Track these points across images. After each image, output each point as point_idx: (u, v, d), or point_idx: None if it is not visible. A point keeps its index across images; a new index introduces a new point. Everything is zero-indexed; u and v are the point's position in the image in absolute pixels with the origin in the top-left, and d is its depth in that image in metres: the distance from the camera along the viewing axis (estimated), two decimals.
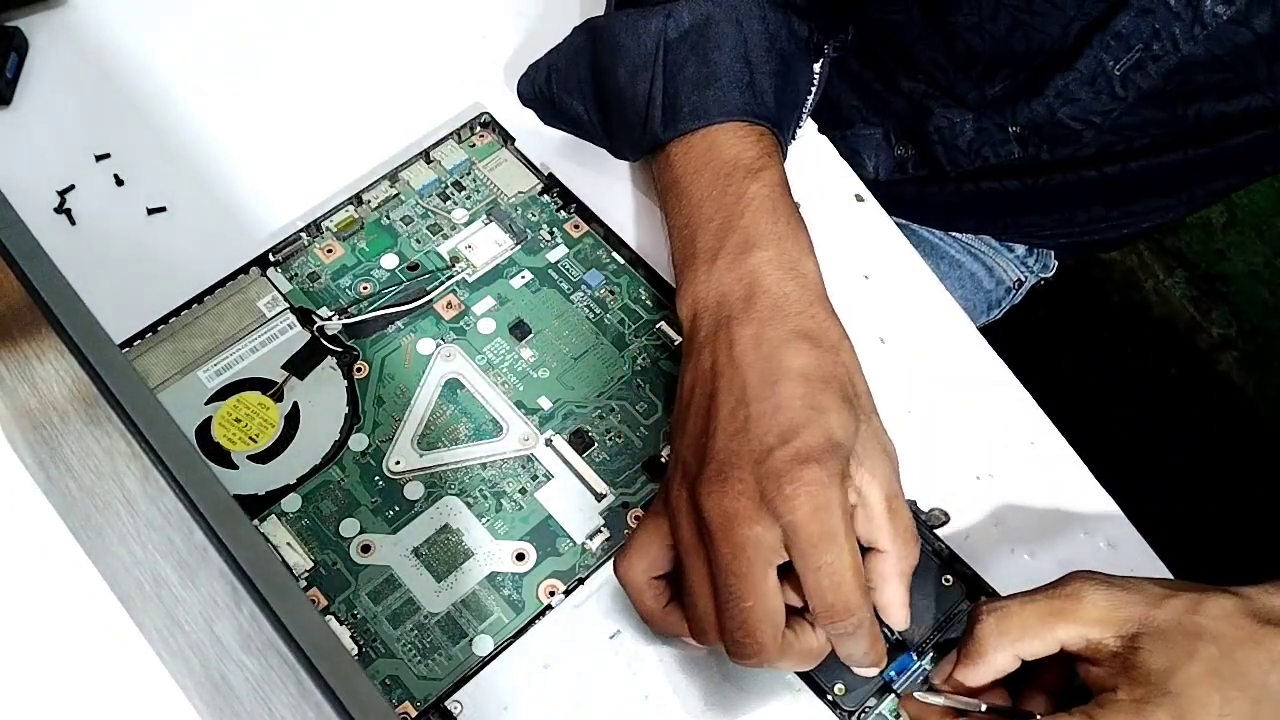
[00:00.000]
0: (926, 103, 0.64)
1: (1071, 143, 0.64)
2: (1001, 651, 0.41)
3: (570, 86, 0.54)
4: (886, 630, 0.45)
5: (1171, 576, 0.47)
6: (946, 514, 0.50)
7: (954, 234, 0.77)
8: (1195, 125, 0.62)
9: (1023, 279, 0.78)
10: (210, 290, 0.52)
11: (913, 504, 0.49)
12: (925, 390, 0.53)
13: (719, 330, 0.46)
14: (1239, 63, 0.58)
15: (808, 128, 0.60)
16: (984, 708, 0.42)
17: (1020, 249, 0.78)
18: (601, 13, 0.55)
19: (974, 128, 0.65)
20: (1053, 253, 0.79)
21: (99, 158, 0.57)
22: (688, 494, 0.43)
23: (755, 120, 0.51)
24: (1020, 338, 0.66)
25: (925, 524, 0.48)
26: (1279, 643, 0.40)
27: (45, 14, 0.61)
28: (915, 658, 0.45)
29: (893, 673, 0.45)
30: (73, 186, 0.56)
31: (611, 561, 0.46)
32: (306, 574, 0.46)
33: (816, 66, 0.56)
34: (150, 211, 0.55)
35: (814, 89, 0.56)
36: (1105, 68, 0.59)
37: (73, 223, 0.55)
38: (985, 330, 0.56)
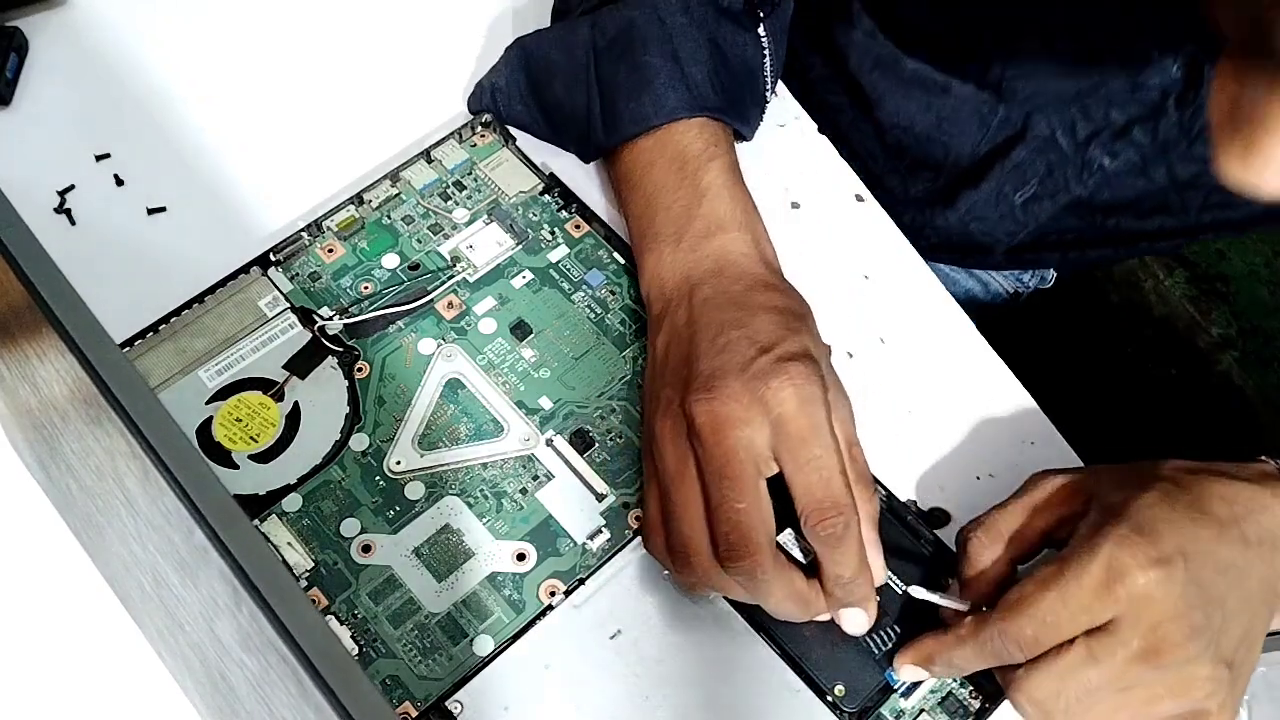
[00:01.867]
0: (869, 178, 0.64)
1: (986, 252, 0.66)
2: (997, 561, 0.44)
3: (513, 103, 0.56)
4: (890, 633, 0.45)
5: None
6: (947, 514, 0.50)
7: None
8: (1115, 233, 0.64)
9: (1020, 291, 0.79)
10: (211, 290, 0.52)
11: (913, 504, 0.49)
12: (925, 390, 0.53)
13: (690, 294, 0.48)
14: (1147, 197, 0.60)
15: (808, 127, 0.60)
16: (967, 606, 0.44)
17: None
18: (597, 13, 0.55)
19: (914, 209, 0.67)
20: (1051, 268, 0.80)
21: (99, 158, 0.57)
22: (671, 420, 0.44)
23: (694, 114, 0.53)
24: (1020, 338, 0.66)
25: (925, 524, 0.48)
26: (1232, 484, 0.43)
27: (45, 14, 0.61)
28: None
29: (893, 674, 0.45)
30: (73, 186, 0.56)
31: (640, 543, 0.47)
32: (307, 574, 0.46)
33: (761, 30, 0.55)
34: (150, 211, 0.55)
35: (765, 51, 0.56)
36: (1006, 194, 0.61)
37: (73, 223, 0.55)
38: (984, 328, 0.56)
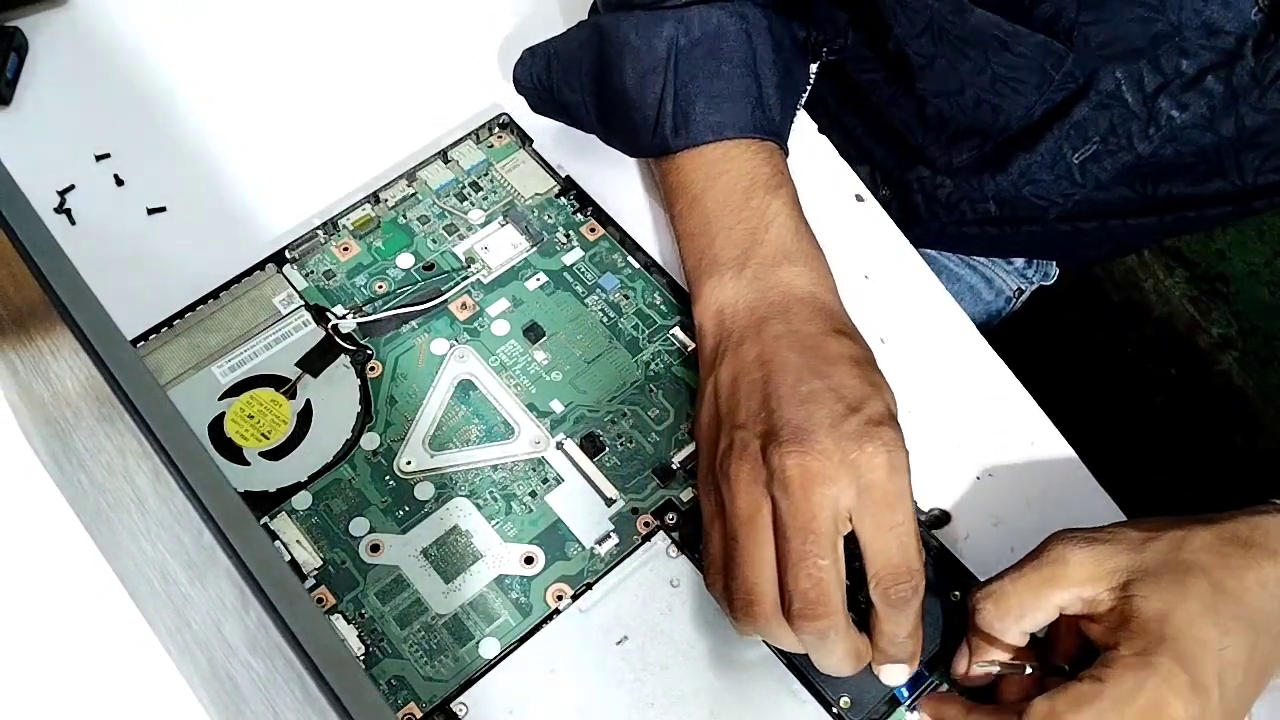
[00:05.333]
0: (905, 156, 0.64)
1: (1039, 213, 0.64)
2: (1005, 634, 0.42)
3: (571, 78, 0.54)
4: None
5: None
6: (947, 514, 0.50)
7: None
8: (1166, 202, 0.62)
9: (1023, 288, 0.78)
10: (226, 286, 0.52)
11: (913, 504, 0.49)
12: (925, 390, 0.53)
13: (759, 328, 0.47)
14: (1203, 159, 0.59)
15: (808, 126, 0.60)
16: (1028, 669, 0.43)
17: (1019, 260, 0.78)
18: (684, 10, 0.54)
19: (953, 184, 0.66)
20: (1054, 261, 0.79)
21: (99, 158, 0.57)
22: (749, 465, 0.43)
23: (765, 136, 0.52)
24: (1020, 338, 0.66)
25: (925, 524, 0.48)
26: (1264, 564, 0.41)
27: (45, 14, 0.61)
28: (928, 673, 0.45)
29: (904, 689, 0.45)
30: (73, 186, 0.56)
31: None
32: (315, 572, 0.46)
33: (813, 66, 0.56)
34: (150, 211, 0.55)
35: (808, 87, 0.56)
36: (1064, 155, 0.60)
37: (73, 223, 0.55)
38: (984, 329, 0.56)
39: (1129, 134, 0.58)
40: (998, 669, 0.43)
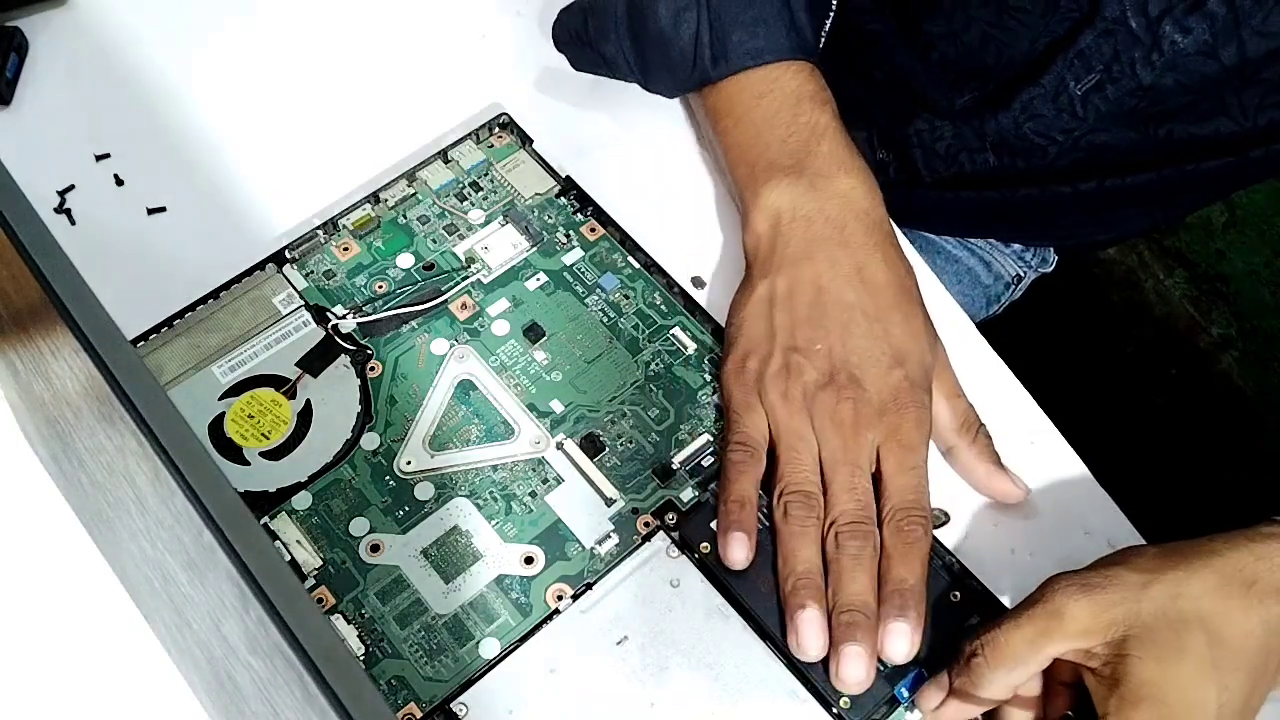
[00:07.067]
0: (905, 111, 0.65)
1: (1038, 156, 0.65)
2: (995, 684, 0.42)
3: (606, 29, 0.55)
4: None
5: None
6: (946, 514, 0.50)
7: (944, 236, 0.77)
8: (1166, 145, 0.63)
9: (1021, 274, 0.79)
10: (226, 286, 0.52)
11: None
12: None
13: (817, 247, 0.51)
14: (1205, 91, 0.59)
15: None
16: None
17: (1017, 244, 0.78)
18: None
19: (952, 133, 0.67)
20: (1051, 248, 0.79)
21: (99, 158, 0.57)
22: (800, 392, 0.48)
23: (802, 57, 0.54)
24: (1020, 337, 0.66)
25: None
26: (1269, 603, 0.40)
27: (45, 14, 0.61)
28: (924, 672, 0.45)
29: (904, 689, 0.45)
30: (73, 186, 0.56)
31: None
32: (315, 572, 0.46)
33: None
34: (150, 211, 0.55)
35: (832, 11, 0.57)
36: (1067, 86, 0.61)
37: (73, 223, 0.55)
38: (985, 328, 0.56)
39: (1131, 61, 0.58)
40: None
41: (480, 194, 0.56)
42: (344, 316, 0.52)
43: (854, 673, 0.44)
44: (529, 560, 0.47)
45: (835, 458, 0.47)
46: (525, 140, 0.57)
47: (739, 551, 0.46)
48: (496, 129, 0.58)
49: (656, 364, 0.52)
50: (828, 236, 0.51)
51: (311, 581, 0.46)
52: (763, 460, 0.48)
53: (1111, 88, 0.60)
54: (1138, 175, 0.65)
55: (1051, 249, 0.79)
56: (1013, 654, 0.41)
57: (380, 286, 0.53)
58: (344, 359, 0.51)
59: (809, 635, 0.44)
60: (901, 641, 0.44)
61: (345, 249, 0.54)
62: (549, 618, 0.45)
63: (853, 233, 0.51)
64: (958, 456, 0.50)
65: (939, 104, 0.66)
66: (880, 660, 0.45)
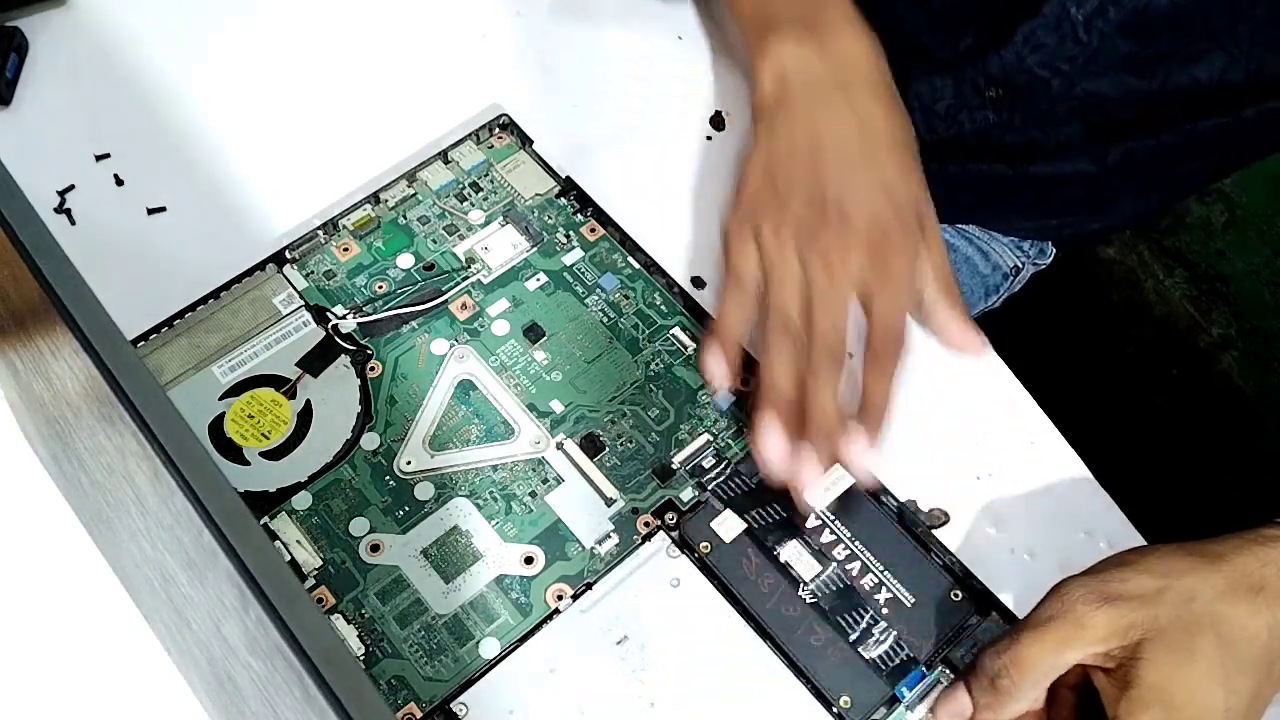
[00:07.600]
0: (905, 72, 0.65)
1: (1042, 94, 0.65)
2: (1024, 701, 0.42)
3: None
4: (897, 647, 0.45)
5: None
6: (946, 514, 0.50)
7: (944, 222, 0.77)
8: (1160, 97, 0.63)
9: (1020, 265, 0.79)
10: (226, 286, 0.52)
11: (912, 504, 0.49)
12: (925, 390, 0.52)
13: (822, 102, 0.53)
14: (1199, 15, 0.59)
15: None
16: None
17: (1014, 235, 0.78)
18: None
19: (953, 92, 0.67)
20: (1049, 240, 0.79)
21: (99, 158, 0.57)
22: (791, 238, 0.50)
23: None
24: (1020, 337, 0.66)
25: (925, 525, 0.48)
26: (1275, 609, 0.40)
27: (45, 14, 0.61)
28: (925, 671, 0.45)
29: (904, 689, 0.45)
30: (72, 186, 0.56)
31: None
32: (315, 572, 0.46)
33: None
34: (150, 211, 0.55)
35: None
36: (1069, 13, 0.61)
37: (72, 223, 0.55)
38: (984, 323, 0.56)
39: None
40: None
41: (480, 194, 0.56)
42: (344, 316, 0.52)
43: (805, 468, 0.47)
44: (529, 560, 0.47)
45: (818, 287, 0.49)
46: (525, 141, 0.57)
47: (715, 365, 0.50)
48: (496, 129, 0.58)
49: (656, 364, 0.52)
50: (832, 93, 0.53)
51: (311, 581, 0.46)
52: (752, 293, 0.51)
53: (1113, 9, 0.60)
54: (1133, 142, 0.66)
55: (1049, 241, 0.79)
56: (1038, 669, 0.41)
57: (380, 287, 0.53)
58: (344, 359, 0.51)
59: (765, 439, 0.47)
60: (856, 446, 0.48)
61: (345, 249, 0.54)
62: (549, 618, 0.46)
63: (857, 90, 0.53)
64: (934, 313, 0.53)
65: (940, 54, 0.67)
66: (879, 658, 0.45)
